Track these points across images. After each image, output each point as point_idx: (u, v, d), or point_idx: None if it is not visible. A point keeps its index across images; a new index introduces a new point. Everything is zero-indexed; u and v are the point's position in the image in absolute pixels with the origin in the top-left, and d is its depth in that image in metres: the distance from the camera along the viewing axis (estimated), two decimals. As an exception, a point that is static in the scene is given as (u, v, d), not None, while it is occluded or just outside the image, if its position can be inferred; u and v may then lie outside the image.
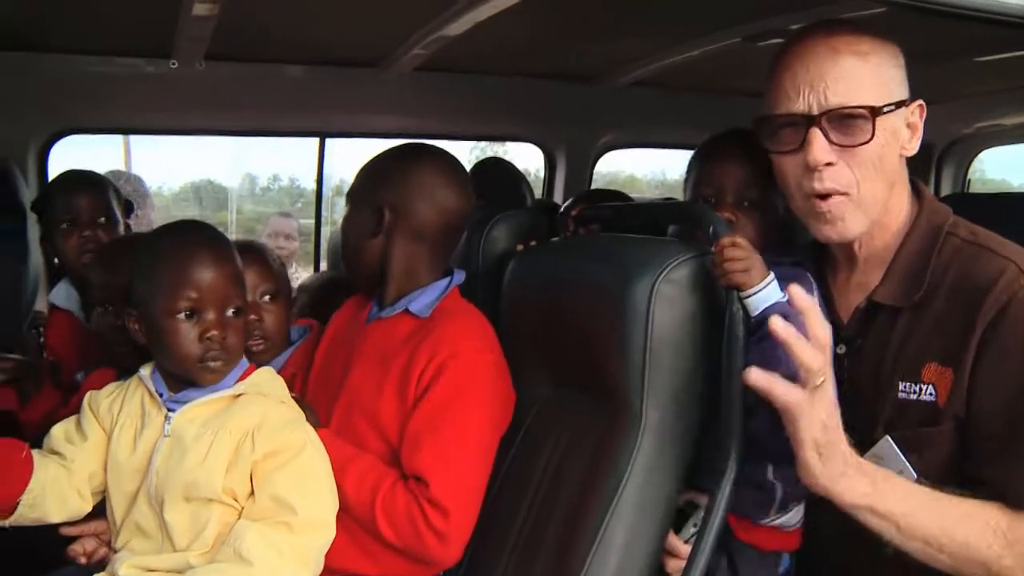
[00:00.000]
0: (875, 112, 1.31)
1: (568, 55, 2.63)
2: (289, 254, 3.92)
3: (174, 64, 2.40)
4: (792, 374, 1.30)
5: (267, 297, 1.79)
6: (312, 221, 3.37)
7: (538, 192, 3.07)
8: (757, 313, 1.32)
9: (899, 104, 1.34)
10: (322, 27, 2.29)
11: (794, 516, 1.46)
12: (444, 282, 1.65)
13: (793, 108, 1.34)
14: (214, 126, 2.68)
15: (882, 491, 1.23)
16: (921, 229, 1.39)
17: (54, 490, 1.41)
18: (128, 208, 2.24)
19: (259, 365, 1.72)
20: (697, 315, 1.38)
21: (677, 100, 2.89)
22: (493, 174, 2.81)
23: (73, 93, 2.41)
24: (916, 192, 1.44)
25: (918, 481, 1.30)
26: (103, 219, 2.05)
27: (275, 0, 2.03)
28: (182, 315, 1.39)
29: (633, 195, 3.44)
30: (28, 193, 2.20)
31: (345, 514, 1.47)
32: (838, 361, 1.39)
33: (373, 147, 1.83)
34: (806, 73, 1.33)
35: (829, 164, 1.33)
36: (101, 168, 2.97)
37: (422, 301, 1.61)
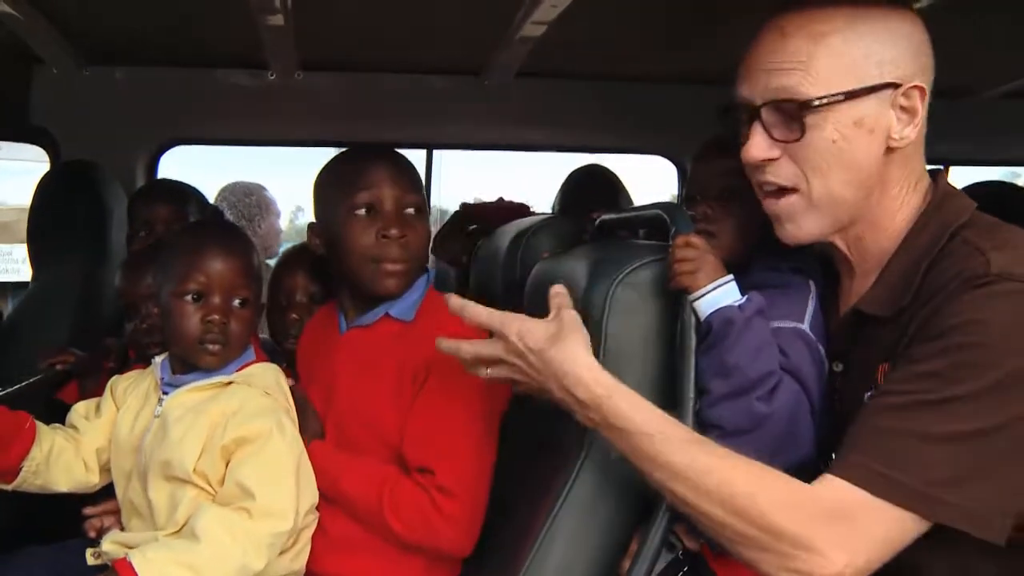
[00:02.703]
0: (802, 106, 1.34)
1: (697, 53, 2.76)
2: None
3: (272, 75, 2.83)
4: (746, 387, 1.40)
5: (314, 300, 2.13)
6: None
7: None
8: (703, 318, 1.42)
9: (861, 92, 1.34)
10: (411, 33, 2.60)
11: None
12: (421, 282, 1.87)
13: (742, 95, 1.42)
14: (315, 136, 3.07)
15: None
16: (927, 229, 1.39)
17: (59, 460, 1.77)
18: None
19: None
20: (659, 324, 1.49)
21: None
22: (587, 183, 2.99)
23: (180, 105, 2.90)
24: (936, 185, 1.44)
25: None
26: None
27: (353, 8, 2.37)
28: (189, 297, 1.71)
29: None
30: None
31: (358, 527, 1.74)
32: (832, 379, 1.48)
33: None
34: (753, 58, 1.39)
35: (769, 160, 1.39)
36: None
37: (403, 304, 1.84)
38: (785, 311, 1.50)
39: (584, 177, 3.11)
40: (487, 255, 2.31)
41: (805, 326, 1.50)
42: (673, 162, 3.30)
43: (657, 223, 1.58)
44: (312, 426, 1.81)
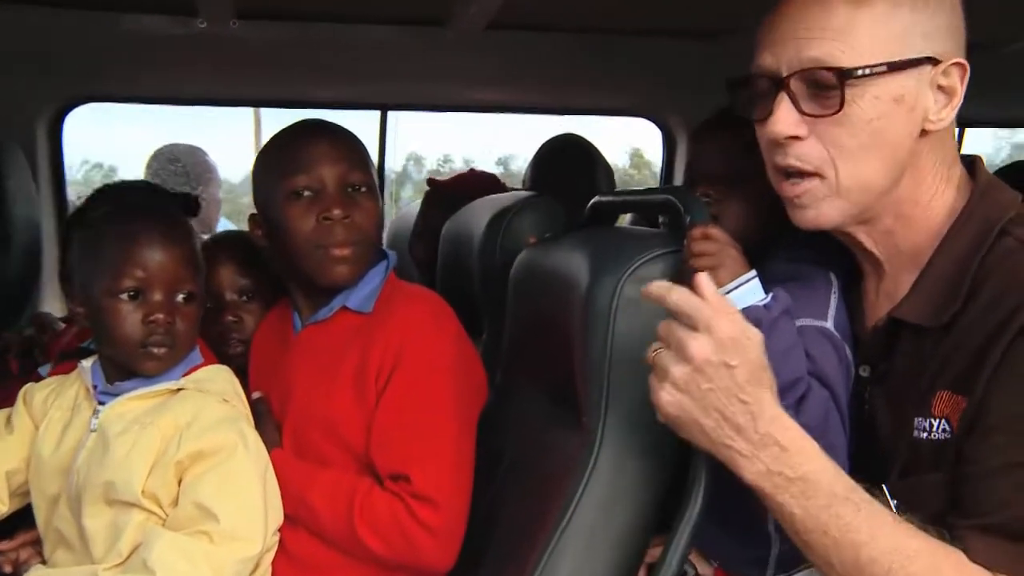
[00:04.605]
0: (843, 75, 1.36)
1: (687, 4, 2.81)
2: None
3: (202, 23, 2.79)
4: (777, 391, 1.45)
5: (246, 296, 2.11)
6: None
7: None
8: None
9: (904, 64, 1.38)
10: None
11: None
12: (379, 269, 1.91)
13: (764, 65, 1.44)
14: (253, 95, 3.07)
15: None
16: (969, 226, 1.42)
17: None
18: None
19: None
20: (670, 322, 1.54)
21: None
22: (561, 156, 3.06)
23: (88, 56, 2.84)
24: (972, 175, 1.48)
25: None
26: None
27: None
28: (125, 295, 1.70)
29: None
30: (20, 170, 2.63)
31: (325, 546, 1.76)
32: (860, 384, 1.53)
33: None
34: (781, 24, 1.42)
35: (795, 138, 1.41)
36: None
37: (359, 295, 1.87)
38: (806, 308, 1.55)
39: (558, 148, 3.16)
40: (455, 237, 2.35)
41: (830, 324, 1.55)
42: (658, 125, 3.35)
43: (666, 210, 1.63)
44: (271, 437, 1.83)
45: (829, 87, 1.39)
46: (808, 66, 1.39)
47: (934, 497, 1.36)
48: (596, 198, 1.88)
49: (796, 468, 1.28)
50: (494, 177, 2.76)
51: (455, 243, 2.33)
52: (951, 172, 1.48)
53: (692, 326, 1.27)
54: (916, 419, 1.40)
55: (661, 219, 2.11)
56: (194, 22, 2.79)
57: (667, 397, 1.30)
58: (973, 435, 1.32)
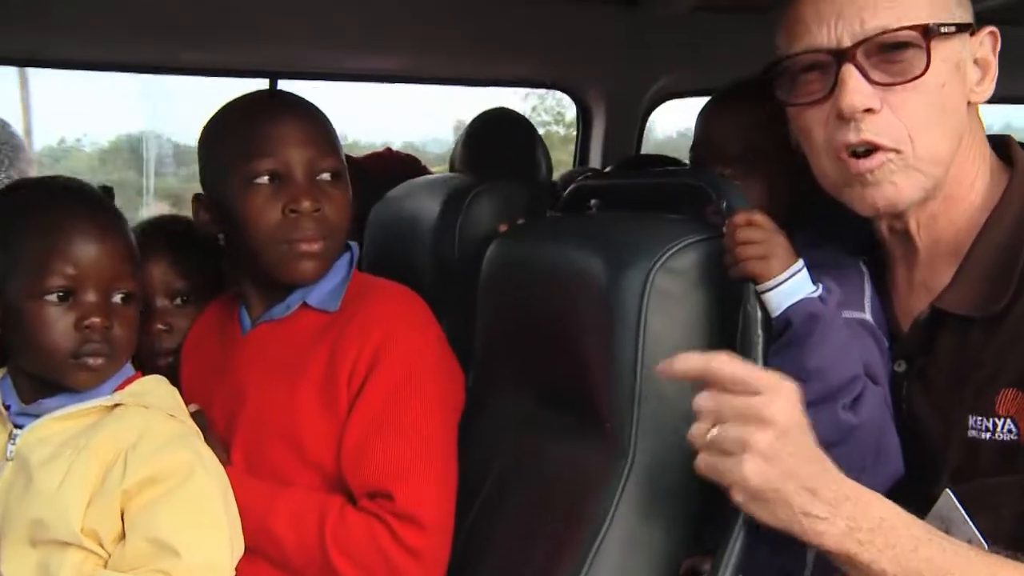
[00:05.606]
0: (929, 33, 1.36)
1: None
2: None
3: None
4: (828, 393, 1.41)
5: (181, 299, 1.94)
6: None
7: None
8: (779, 312, 1.42)
9: (961, 27, 1.39)
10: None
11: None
12: (342, 263, 1.80)
13: (817, 43, 1.40)
14: (114, 58, 2.83)
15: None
16: (1012, 210, 1.42)
17: None
18: None
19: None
20: (707, 316, 1.48)
21: (761, 29, 2.98)
22: (496, 133, 2.96)
23: None
24: (1006, 156, 1.48)
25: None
26: None
27: None
28: (53, 296, 1.52)
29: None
30: None
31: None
32: (896, 382, 1.51)
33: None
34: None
35: (869, 111, 1.38)
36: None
37: (322, 290, 1.75)
38: (844, 299, 1.51)
39: (494, 123, 3.06)
40: (390, 223, 2.25)
41: (869, 316, 1.53)
42: (573, 98, 3.31)
43: (684, 194, 1.57)
44: (218, 455, 1.67)
45: (908, 51, 1.37)
46: (879, 31, 1.37)
47: (1011, 498, 1.34)
48: (581, 180, 1.82)
49: (871, 517, 1.23)
50: (415, 158, 2.66)
51: (391, 230, 2.22)
52: (984, 151, 1.49)
53: (754, 391, 1.22)
54: (972, 418, 1.38)
55: (594, 201, 2.04)
56: None
57: (754, 468, 1.21)
58: None
